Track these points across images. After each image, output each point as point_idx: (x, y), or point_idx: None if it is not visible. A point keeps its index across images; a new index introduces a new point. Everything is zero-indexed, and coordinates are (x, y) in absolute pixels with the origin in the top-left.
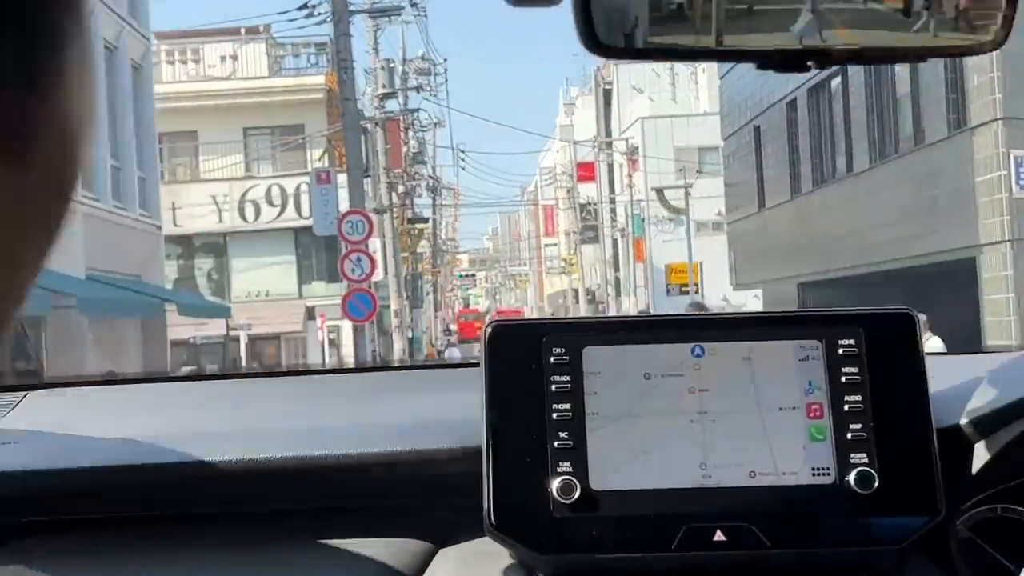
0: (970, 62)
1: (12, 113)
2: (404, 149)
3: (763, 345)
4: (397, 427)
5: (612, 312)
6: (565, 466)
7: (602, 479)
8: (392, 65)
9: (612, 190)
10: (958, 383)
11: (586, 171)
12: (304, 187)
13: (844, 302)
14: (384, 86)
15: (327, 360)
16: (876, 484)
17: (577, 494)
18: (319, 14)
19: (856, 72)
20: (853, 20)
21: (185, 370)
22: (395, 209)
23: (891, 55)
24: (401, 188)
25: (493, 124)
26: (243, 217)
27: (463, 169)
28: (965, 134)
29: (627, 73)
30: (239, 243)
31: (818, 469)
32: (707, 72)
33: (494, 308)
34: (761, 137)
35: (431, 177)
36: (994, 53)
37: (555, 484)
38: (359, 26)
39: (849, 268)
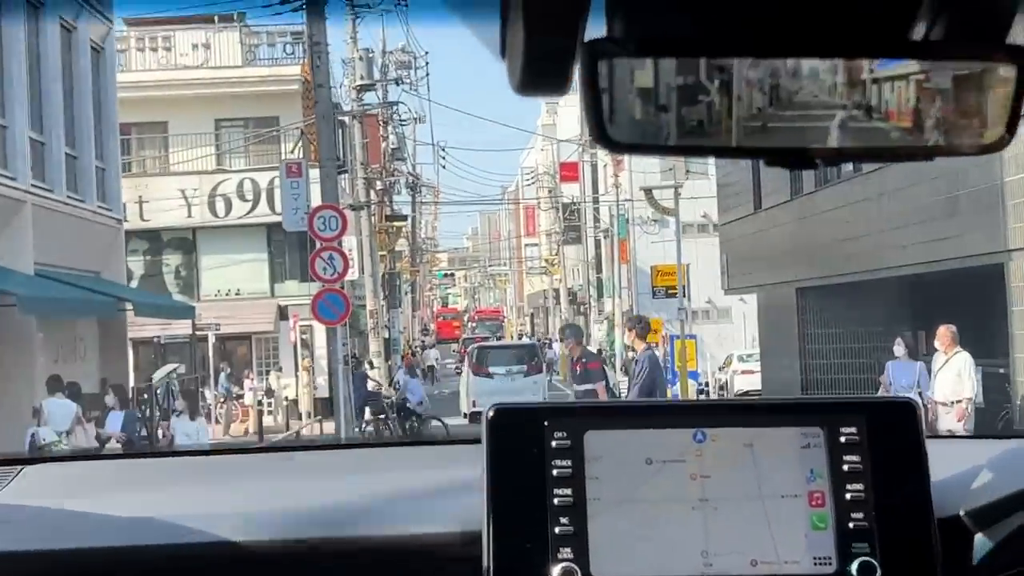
0: None
1: None
2: (383, 144)
3: (765, 432)
4: (396, 507)
5: (594, 313)
6: (566, 552)
7: (603, 566)
8: (371, 55)
9: (596, 190)
10: (958, 471)
11: (569, 171)
12: (278, 182)
13: (849, 310)
14: (362, 77)
15: (299, 361)
16: (878, 574)
17: None
18: (295, 0)
19: None
20: (862, 131)
21: (158, 375)
22: (373, 206)
23: (898, 154)
24: (379, 185)
25: (474, 118)
26: (213, 212)
27: (443, 167)
28: None
29: None
30: (209, 239)
31: (820, 559)
32: None
33: (473, 308)
34: None
35: (411, 174)
36: None
37: (556, 571)
38: (337, 16)
39: (855, 274)
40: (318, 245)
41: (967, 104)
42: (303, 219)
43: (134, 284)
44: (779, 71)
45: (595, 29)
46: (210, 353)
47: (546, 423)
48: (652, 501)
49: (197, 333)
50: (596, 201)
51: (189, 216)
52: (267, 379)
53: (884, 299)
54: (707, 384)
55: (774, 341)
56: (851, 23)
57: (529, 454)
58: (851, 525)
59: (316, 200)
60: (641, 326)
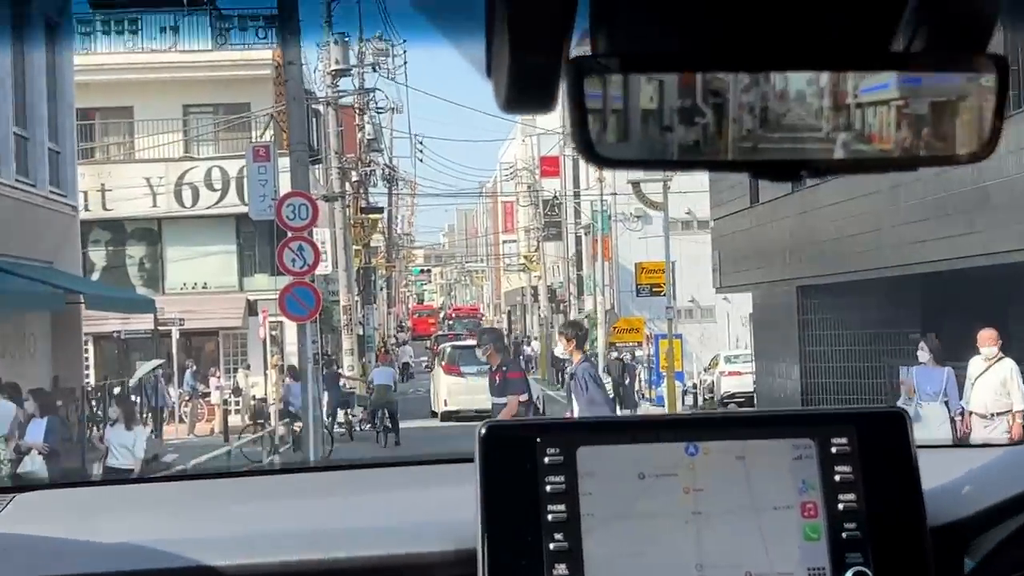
0: None
1: None
2: (359, 134)
3: (757, 444)
4: (389, 527)
5: (574, 312)
6: (561, 568)
7: None
8: (347, 39)
9: (576, 184)
10: (950, 479)
11: (550, 166)
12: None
13: (856, 309)
14: (337, 61)
15: (268, 358)
16: None
17: None
18: None
19: None
20: (848, 145)
21: (139, 373)
22: (347, 197)
23: (884, 165)
24: (355, 176)
25: (452, 108)
26: (180, 202)
27: (421, 161)
28: None
29: None
30: (175, 230)
31: (814, 569)
32: None
33: (449, 305)
34: None
35: (387, 166)
36: None
37: None
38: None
39: (862, 271)
40: (287, 235)
41: (950, 113)
42: (270, 207)
43: (95, 276)
44: (768, 94)
45: (580, 47)
46: (174, 349)
47: (539, 440)
48: (646, 515)
49: (160, 328)
50: (577, 196)
51: (154, 205)
52: (235, 377)
53: (894, 298)
54: (695, 386)
55: (770, 342)
56: (833, 36)
57: (522, 471)
58: (844, 535)
59: (287, 189)
60: (580, 335)
